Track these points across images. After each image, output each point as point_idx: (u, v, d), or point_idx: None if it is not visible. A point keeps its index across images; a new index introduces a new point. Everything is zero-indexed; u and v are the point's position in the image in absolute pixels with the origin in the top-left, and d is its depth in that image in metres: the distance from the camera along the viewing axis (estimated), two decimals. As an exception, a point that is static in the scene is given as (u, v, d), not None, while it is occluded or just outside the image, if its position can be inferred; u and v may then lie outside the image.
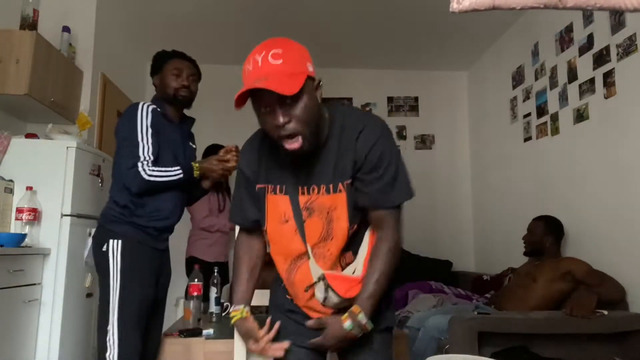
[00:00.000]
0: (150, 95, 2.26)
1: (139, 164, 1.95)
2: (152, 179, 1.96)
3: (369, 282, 1.25)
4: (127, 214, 2.02)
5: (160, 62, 2.20)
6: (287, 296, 1.41)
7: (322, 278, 1.27)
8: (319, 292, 1.28)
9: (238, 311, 1.40)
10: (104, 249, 1.98)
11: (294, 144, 1.17)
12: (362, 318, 1.23)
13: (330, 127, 1.26)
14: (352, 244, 1.31)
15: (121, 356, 1.89)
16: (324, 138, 1.25)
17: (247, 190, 1.39)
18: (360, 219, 1.28)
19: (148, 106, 2.06)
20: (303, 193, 1.27)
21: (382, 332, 1.36)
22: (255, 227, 1.41)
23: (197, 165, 2.07)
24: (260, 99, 1.15)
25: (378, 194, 1.24)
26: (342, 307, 1.29)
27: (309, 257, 1.29)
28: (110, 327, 1.91)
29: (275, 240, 1.35)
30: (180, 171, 2.03)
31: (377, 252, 1.27)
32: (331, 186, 1.24)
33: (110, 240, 1.97)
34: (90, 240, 2.21)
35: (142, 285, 2.00)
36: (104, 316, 1.94)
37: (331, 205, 1.25)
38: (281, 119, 1.14)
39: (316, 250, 1.28)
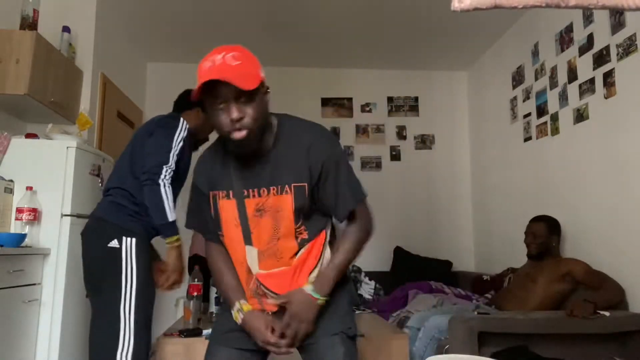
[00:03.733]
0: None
1: (164, 168, 1.99)
2: (161, 188, 1.97)
3: (333, 259, 1.39)
4: (142, 212, 2.03)
5: None
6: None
7: (256, 279, 1.37)
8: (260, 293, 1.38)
9: (239, 307, 1.40)
10: (114, 245, 1.96)
11: (240, 133, 1.27)
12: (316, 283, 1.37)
13: (277, 133, 1.37)
14: (305, 239, 1.39)
15: (136, 354, 1.89)
16: (270, 142, 1.36)
17: (201, 200, 1.45)
18: (306, 218, 1.37)
19: (187, 125, 2.16)
20: (254, 196, 1.35)
21: (347, 339, 1.40)
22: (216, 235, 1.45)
23: (175, 239, 2.03)
24: (217, 95, 1.24)
25: (340, 197, 1.38)
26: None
27: (247, 259, 1.37)
28: (123, 325, 1.90)
29: (231, 246, 1.41)
30: (172, 220, 2.00)
31: (346, 235, 1.42)
32: (279, 187, 1.34)
33: (124, 238, 1.97)
34: None
35: (152, 282, 2.03)
36: (111, 314, 1.92)
37: (279, 206, 1.34)
38: (236, 114, 1.24)
39: (268, 249, 1.37)
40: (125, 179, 2.09)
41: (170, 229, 2.00)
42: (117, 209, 2.04)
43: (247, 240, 1.37)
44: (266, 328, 1.36)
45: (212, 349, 1.47)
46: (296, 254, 1.37)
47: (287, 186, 1.34)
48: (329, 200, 1.38)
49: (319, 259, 1.39)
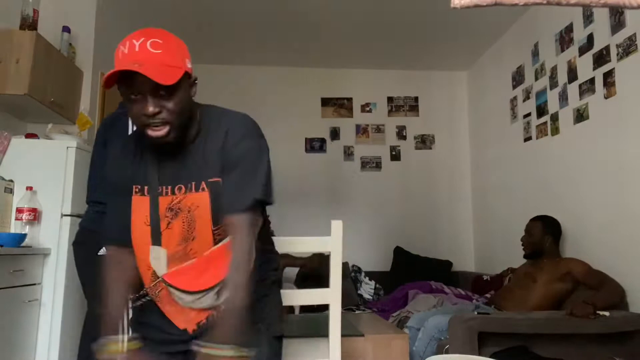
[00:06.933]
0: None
1: None
2: None
3: (221, 314, 1.13)
4: None
5: None
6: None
7: (163, 281, 1.22)
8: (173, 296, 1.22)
9: (117, 342, 1.17)
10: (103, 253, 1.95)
11: (159, 132, 1.14)
12: (227, 352, 1.07)
13: (199, 126, 1.23)
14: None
15: None
16: (192, 136, 1.22)
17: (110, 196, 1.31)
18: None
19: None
20: (167, 194, 1.21)
21: (272, 339, 1.29)
22: (125, 238, 1.26)
23: None
24: (132, 85, 1.11)
25: (230, 195, 1.18)
26: (203, 303, 1.21)
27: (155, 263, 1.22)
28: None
29: (139, 246, 1.24)
30: None
31: (227, 270, 1.15)
32: (194, 184, 1.20)
33: None
34: None
35: None
36: None
37: (193, 204, 1.20)
38: (151, 109, 1.11)
39: (179, 252, 1.21)
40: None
41: None
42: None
43: (156, 240, 1.21)
44: None
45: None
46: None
47: (203, 182, 1.19)
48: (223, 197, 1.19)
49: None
